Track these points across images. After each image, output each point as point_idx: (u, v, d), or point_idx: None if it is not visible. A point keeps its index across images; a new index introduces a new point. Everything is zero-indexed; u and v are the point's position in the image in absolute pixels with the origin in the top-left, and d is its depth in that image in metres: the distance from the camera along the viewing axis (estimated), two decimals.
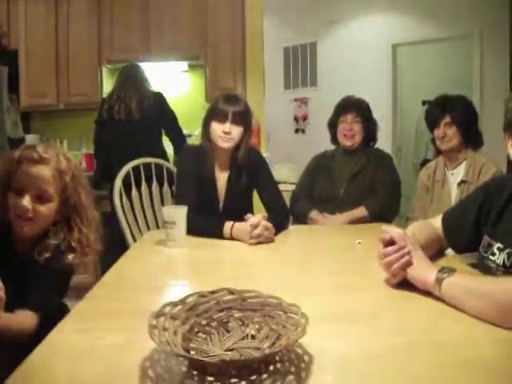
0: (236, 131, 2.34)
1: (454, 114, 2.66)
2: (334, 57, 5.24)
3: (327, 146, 5.11)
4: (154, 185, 2.93)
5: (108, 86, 4.17)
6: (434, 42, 5.42)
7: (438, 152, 2.82)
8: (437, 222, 1.76)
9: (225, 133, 2.31)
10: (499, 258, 1.48)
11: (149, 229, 2.80)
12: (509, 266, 1.44)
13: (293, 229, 2.36)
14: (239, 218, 2.22)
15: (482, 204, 1.61)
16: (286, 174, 4.37)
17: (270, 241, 2.05)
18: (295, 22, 5.27)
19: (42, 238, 1.49)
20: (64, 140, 4.48)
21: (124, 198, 2.74)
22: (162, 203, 2.90)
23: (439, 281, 1.26)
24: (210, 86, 4.29)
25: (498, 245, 1.50)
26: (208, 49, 4.22)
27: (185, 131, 4.25)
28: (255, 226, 2.02)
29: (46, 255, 1.47)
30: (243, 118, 2.36)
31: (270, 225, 2.06)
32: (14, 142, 4.26)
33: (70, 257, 1.50)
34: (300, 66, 5.46)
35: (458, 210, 1.76)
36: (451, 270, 1.27)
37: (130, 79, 3.67)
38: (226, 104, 2.33)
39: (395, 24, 4.97)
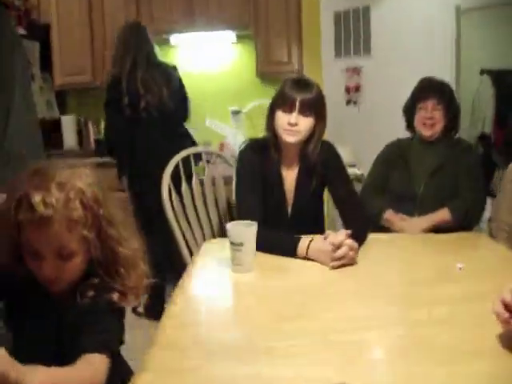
0: (304, 123, 2.00)
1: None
2: (390, 22, 4.80)
3: (380, 119, 4.81)
4: (206, 179, 2.62)
5: None
6: (505, 7, 4.92)
7: None
8: None
9: (290, 124, 1.98)
10: None
11: (204, 237, 2.48)
12: None
13: (372, 239, 1.99)
14: (310, 222, 2.04)
15: None
16: None
17: (354, 262, 1.75)
18: None
19: (80, 279, 1.20)
20: (101, 119, 4.20)
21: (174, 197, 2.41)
22: (216, 203, 2.59)
23: None
24: (260, 59, 3.91)
25: None
26: (259, 17, 3.82)
27: (234, 107, 3.95)
28: (338, 247, 1.71)
29: (90, 294, 1.18)
30: (314, 107, 2.01)
31: (355, 245, 1.75)
32: (49, 123, 4.03)
33: (116, 296, 1.20)
34: (352, 32, 5.04)
35: None
36: None
37: (146, 53, 3.13)
38: (293, 90, 1.98)
39: None
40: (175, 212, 2.35)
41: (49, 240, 1.09)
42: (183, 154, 2.57)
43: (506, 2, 4.56)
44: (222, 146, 3.79)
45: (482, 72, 5.99)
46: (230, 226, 1.68)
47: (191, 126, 3.94)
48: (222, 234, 2.34)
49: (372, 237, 1.99)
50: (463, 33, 4.70)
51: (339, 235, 1.74)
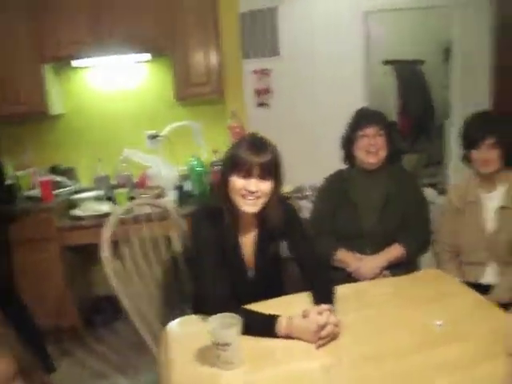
0: (264, 188, 1.91)
1: (500, 136, 2.39)
2: (298, 23, 4.79)
3: (292, 120, 4.81)
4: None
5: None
6: (410, 11, 5.15)
7: None
8: None
9: (250, 192, 1.88)
10: None
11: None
12: None
13: (338, 292, 1.97)
14: (272, 284, 2.01)
15: None
16: None
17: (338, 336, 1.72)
18: None
19: None
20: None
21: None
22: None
23: None
24: (177, 81, 3.71)
25: None
26: (175, 37, 3.62)
27: (151, 132, 3.76)
28: (323, 326, 1.67)
29: None
30: (273, 169, 1.93)
31: (338, 320, 1.72)
32: None
33: None
34: (258, 33, 4.95)
35: None
36: None
37: None
38: (249, 153, 1.87)
39: None
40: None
41: None
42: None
43: (406, 7, 4.69)
44: (143, 178, 3.61)
45: (386, 63, 6.19)
46: (214, 327, 1.57)
47: (107, 157, 3.72)
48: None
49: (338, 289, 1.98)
50: (372, 34, 4.79)
51: (323, 314, 1.71)
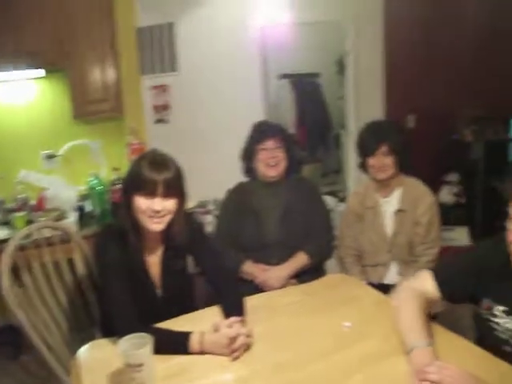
0: (169, 206, 1.89)
1: (393, 142, 2.53)
2: (195, 39, 4.81)
3: (193, 135, 4.81)
4: None
5: None
6: (305, 25, 5.31)
7: None
8: (424, 282, 1.75)
9: (155, 211, 1.85)
10: (505, 321, 1.54)
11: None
12: None
13: (248, 304, 1.98)
14: (183, 301, 2.01)
15: (478, 271, 1.64)
16: None
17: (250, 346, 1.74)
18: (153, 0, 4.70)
19: None
20: None
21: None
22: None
23: None
24: (75, 99, 3.60)
25: (502, 308, 1.56)
26: (70, 54, 3.50)
27: (47, 151, 3.62)
28: (235, 339, 1.68)
29: None
30: (177, 186, 1.91)
31: (250, 330, 1.75)
32: None
33: None
34: (156, 49, 4.93)
35: (455, 269, 1.75)
36: None
37: None
38: (151, 172, 1.83)
39: (264, 6, 4.64)
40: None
41: None
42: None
43: (301, 22, 4.84)
44: (41, 200, 3.46)
45: (283, 77, 6.34)
46: (125, 349, 1.53)
47: (1, 179, 3.53)
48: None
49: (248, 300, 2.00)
50: (266, 45, 4.89)
51: (231, 325, 1.72)
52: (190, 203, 4.06)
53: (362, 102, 4.67)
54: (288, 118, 6.52)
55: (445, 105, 4.74)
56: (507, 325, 1.54)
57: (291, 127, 6.56)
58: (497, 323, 1.56)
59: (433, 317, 1.86)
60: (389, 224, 2.63)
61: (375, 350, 1.63)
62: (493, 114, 4.73)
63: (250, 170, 2.67)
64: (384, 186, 2.63)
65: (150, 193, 1.83)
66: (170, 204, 1.88)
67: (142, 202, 1.84)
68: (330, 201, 4.97)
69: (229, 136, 4.04)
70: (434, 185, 4.63)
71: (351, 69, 4.71)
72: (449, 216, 4.42)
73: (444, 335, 1.70)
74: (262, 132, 2.61)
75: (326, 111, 6.66)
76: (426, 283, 1.75)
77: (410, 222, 2.57)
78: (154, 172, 1.83)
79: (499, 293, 1.58)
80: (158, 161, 1.88)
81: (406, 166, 2.61)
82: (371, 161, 2.56)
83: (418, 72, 4.70)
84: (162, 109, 5.04)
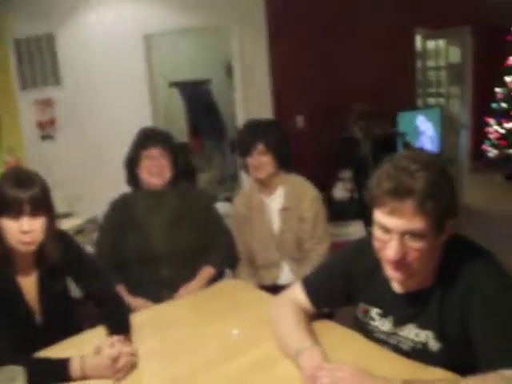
0: (39, 225, 1.76)
1: (269, 140, 2.53)
2: (78, 49, 4.68)
3: (80, 150, 4.66)
4: None
5: None
6: (190, 31, 5.39)
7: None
8: (295, 294, 1.74)
9: (24, 232, 1.73)
10: (382, 324, 1.56)
11: None
12: (393, 333, 1.53)
13: (136, 320, 1.91)
14: (65, 325, 1.90)
15: (347, 274, 1.64)
16: None
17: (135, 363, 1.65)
18: (30, 10, 4.49)
19: None
20: None
21: None
22: None
23: None
24: None
25: (377, 310, 1.58)
26: None
27: None
28: (117, 359, 1.58)
29: None
30: (44, 203, 1.78)
31: (134, 349, 1.66)
32: None
33: None
34: (37, 61, 4.74)
35: (323, 278, 1.75)
36: None
37: None
38: (16, 190, 1.70)
39: (147, 13, 4.59)
40: None
41: None
42: None
43: (185, 28, 4.86)
44: None
45: (171, 85, 6.30)
46: None
47: None
48: None
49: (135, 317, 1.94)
50: (152, 53, 4.86)
51: (113, 344, 1.62)
52: (78, 220, 3.91)
53: (251, 105, 4.73)
54: (181, 126, 6.48)
55: (333, 103, 4.91)
56: (383, 327, 1.56)
57: (185, 136, 6.54)
58: (374, 326, 1.58)
59: (328, 315, 1.88)
60: (275, 222, 2.63)
61: (266, 355, 1.60)
62: (380, 111, 4.96)
63: (133, 178, 2.55)
64: (266, 185, 2.62)
65: (17, 213, 1.70)
66: (39, 223, 1.76)
67: (10, 226, 1.71)
68: (227, 207, 4.98)
69: (119, 148, 3.95)
70: (329, 182, 4.80)
71: (238, 73, 4.76)
72: (344, 211, 4.57)
73: (339, 331, 1.71)
74: (146, 139, 2.51)
75: (219, 117, 6.68)
76: (297, 295, 1.74)
77: (296, 218, 2.59)
78: (18, 190, 1.70)
79: (372, 295, 1.59)
80: (22, 178, 1.76)
81: (286, 163, 2.61)
82: (249, 160, 2.55)
83: (305, 72, 4.82)
84: (47, 125, 4.85)
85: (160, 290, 2.34)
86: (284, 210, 2.61)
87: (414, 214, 1.30)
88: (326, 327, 1.71)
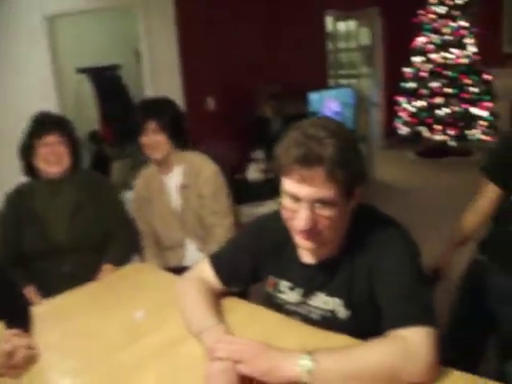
0: None
1: (161, 119, 2.47)
2: None
3: None
4: None
5: None
6: (97, 15, 5.31)
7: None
8: (203, 272, 1.70)
9: None
10: (291, 296, 1.55)
11: None
12: (303, 303, 1.52)
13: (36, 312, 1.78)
14: None
15: (255, 249, 1.62)
16: None
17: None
18: None
19: None
20: None
21: None
22: None
23: (308, 371, 1.18)
24: None
25: (286, 283, 1.55)
26: None
27: None
28: (13, 353, 1.42)
29: None
30: None
31: (32, 342, 1.49)
32: None
33: None
34: None
35: (230, 255, 1.70)
36: (310, 354, 1.20)
37: None
38: None
39: None
40: None
41: None
42: None
43: (87, 9, 4.70)
44: None
45: (79, 71, 6.08)
46: None
47: None
48: None
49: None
50: (57, 37, 4.67)
51: (8, 339, 1.44)
52: None
53: (162, 89, 4.62)
54: (92, 113, 6.28)
55: (244, 84, 4.89)
56: (292, 299, 1.55)
57: (96, 123, 6.34)
58: (284, 299, 1.57)
59: (241, 294, 1.84)
60: (175, 201, 2.58)
61: (170, 336, 1.56)
62: (291, 90, 4.99)
63: (30, 168, 2.41)
64: (163, 164, 2.56)
65: None
66: None
67: None
68: None
69: None
70: (243, 163, 4.79)
71: (147, 57, 4.65)
72: (258, 192, 4.56)
73: (247, 308, 1.69)
74: (40, 125, 2.38)
75: (130, 103, 6.51)
76: (204, 272, 1.70)
77: (195, 195, 2.55)
78: None
79: (281, 268, 1.57)
80: None
81: (182, 142, 2.56)
82: (144, 139, 2.47)
83: (215, 54, 4.78)
84: None
85: (61, 288, 2.11)
86: (183, 187, 2.56)
87: (324, 181, 1.28)
88: (233, 304, 1.68)
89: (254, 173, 4.76)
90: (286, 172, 1.32)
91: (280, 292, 1.58)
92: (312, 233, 1.34)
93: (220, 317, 1.52)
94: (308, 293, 1.51)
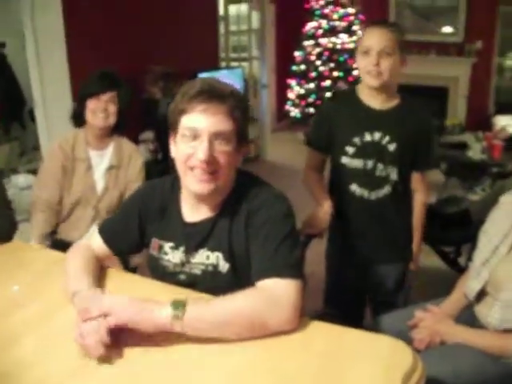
0: None
1: (121, 92, 2.56)
2: None
3: None
4: None
5: None
6: None
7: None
8: (93, 240, 1.74)
9: None
10: (174, 256, 1.61)
11: None
12: (186, 261, 1.58)
13: None
14: None
15: (140, 213, 1.67)
16: None
17: None
18: None
19: None
20: None
21: None
22: None
23: (174, 317, 1.25)
24: None
25: (170, 244, 1.62)
26: None
27: None
28: None
29: None
30: None
31: None
32: None
33: None
34: None
35: (118, 221, 1.76)
36: (181, 303, 1.26)
37: None
38: None
39: None
40: None
41: None
42: None
43: None
44: None
45: None
46: None
47: None
48: None
49: None
50: None
51: None
52: None
53: (47, 72, 4.49)
54: None
55: (132, 65, 4.86)
56: (175, 260, 1.60)
57: None
58: (167, 260, 1.62)
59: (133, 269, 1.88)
60: (100, 179, 2.62)
61: (47, 306, 1.56)
62: (180, 70, 5.02)
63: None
64: (98, 138, 2.61)
65: None
66: None
67: None
68: (30, 179, 4.77)
69: None
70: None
71: (30, 35, 4.49)
72: (149, 173, 4.58)
73: (128, 277, 1.76)
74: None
75: (15, 85, 6.27)
76: (93, 240, 1.74)
77: (123, 178, 2.64)
78: None
79: (164, 230, 1.63)
80: None
81: (122, 125, 2.66)
82: (95, 102, 2.49)
83: (102, 35, 4.70)
84: None
85: None
86: (111, 168, 2.62)
87: (225, 115, 1.41)
88: (116, 274, 1.73)
89: (143, 154, 4.78)
90: (188, 109, 1.42)
91: (164, 253, 1.63)
92: (210, 169, 1.43)
93: (96, 282, 1.55)
94: (190, 250, 1.58)
